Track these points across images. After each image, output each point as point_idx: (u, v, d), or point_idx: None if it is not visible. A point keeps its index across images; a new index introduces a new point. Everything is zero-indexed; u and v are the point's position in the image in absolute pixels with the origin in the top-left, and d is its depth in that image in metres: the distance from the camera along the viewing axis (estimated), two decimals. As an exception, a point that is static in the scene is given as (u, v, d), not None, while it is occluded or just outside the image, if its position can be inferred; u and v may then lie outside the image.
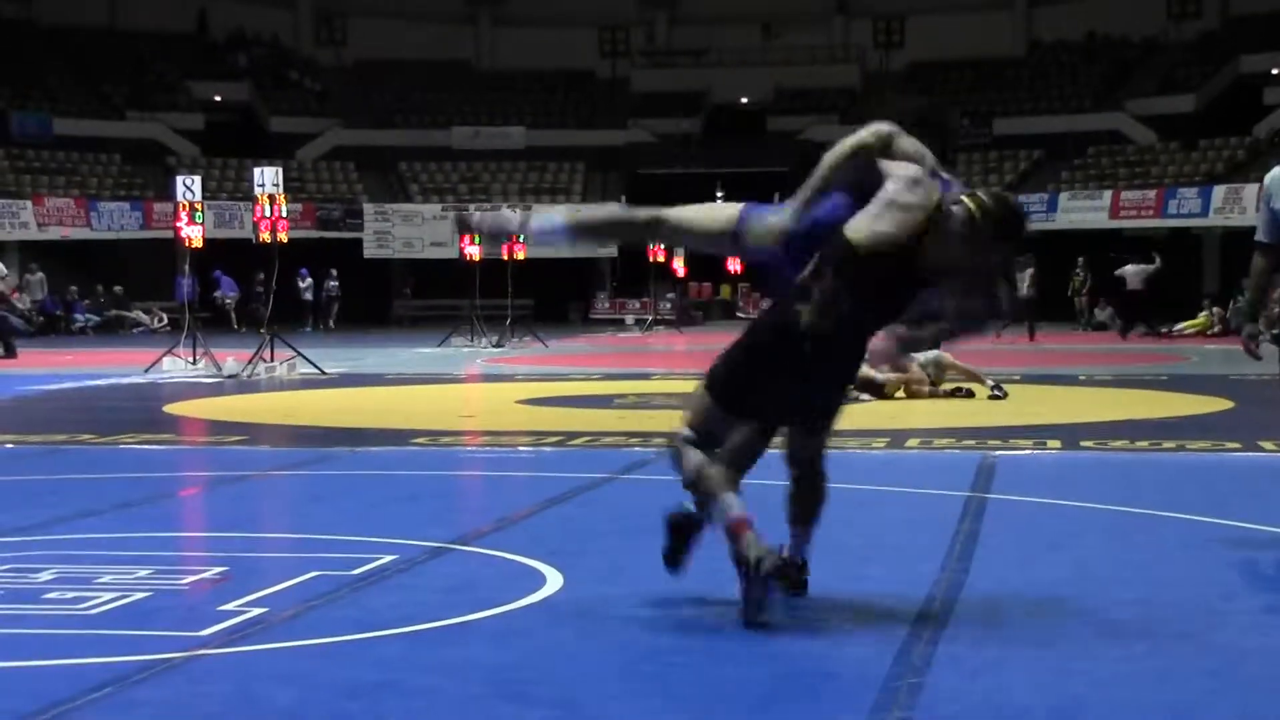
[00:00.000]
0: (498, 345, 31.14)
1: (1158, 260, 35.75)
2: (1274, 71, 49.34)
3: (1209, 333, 35.05)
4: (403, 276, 50.33)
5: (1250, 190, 42.85)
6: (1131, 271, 36.31)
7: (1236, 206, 43.05)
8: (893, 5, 56.53)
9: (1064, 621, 5.86)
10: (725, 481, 6.00)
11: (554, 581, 6.68)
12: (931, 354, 16.75)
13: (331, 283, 45.35)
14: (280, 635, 5.70)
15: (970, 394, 16.55)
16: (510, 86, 56.16)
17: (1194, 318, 36.62)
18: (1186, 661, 5.31)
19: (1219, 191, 44.00)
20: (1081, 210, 46.07)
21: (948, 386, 16.67)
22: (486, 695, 4.92)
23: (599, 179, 53.39)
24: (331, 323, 44.35)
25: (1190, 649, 5.47)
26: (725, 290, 51.57)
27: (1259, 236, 7.90)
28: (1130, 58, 53.96)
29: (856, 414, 14.80)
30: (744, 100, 57.01)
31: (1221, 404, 16.10)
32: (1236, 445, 11.95)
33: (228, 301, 41.83)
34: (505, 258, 33.47)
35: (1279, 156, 45.73)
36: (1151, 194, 45.79)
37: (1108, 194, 46.48)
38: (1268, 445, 11.72)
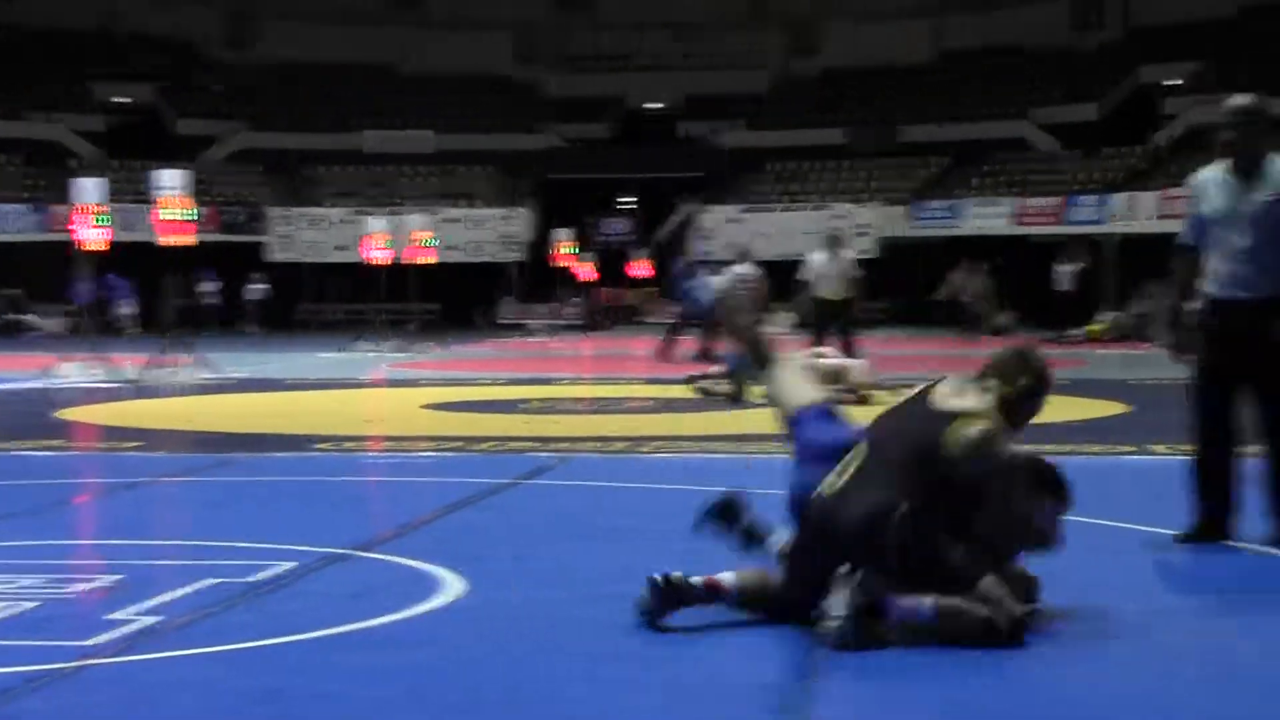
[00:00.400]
0: (402, 350, 31.00)
1: (1088, 259, 36.10)
2: (1172, 82, 49.97)
3: (1105, 338, 35.45)
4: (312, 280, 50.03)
5: (1149, 198, 43.42)
6: (1064, 271, 36.79)
7: (1135, 213, 43.60)
8: (805, 12, 56.77)
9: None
10: None
11: (456, 587, 6.64)
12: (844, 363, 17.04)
13: (254, 285, 45.05)
14: (175, 643, 5.62)
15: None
16: (423, 90, 55.92)
17: (1091, 323, 37.01)
18: (1086, 658, 5.36)
19: (1119, 199, 44.54)
20: (987, 216, 46.49)
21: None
22: (389, 700, 4.89)
23: (510, 183, 53.28)
24: (257, 325, 43.87)
25: (1084, 645, 5.51)
26: (633, 295, 51.59)
27: (1180, 238, 7.96)
28: (1035, 67, 54.46)
29: (758, 417, 14.84)
30: (656, 106, 57.08)
31: (1118, 408, 16.26)
32: (1130, 448, 12.09)
33: (121, 306, 41.24)
34: (411, 261, 33.33)
35: (1178, 165, 46.40)
36: (1054, 201, 46.28)
37: (1012, 200, 46.94)
38: (1159, 448, 11.83)
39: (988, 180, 50.03)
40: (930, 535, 5.61)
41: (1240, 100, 7.62)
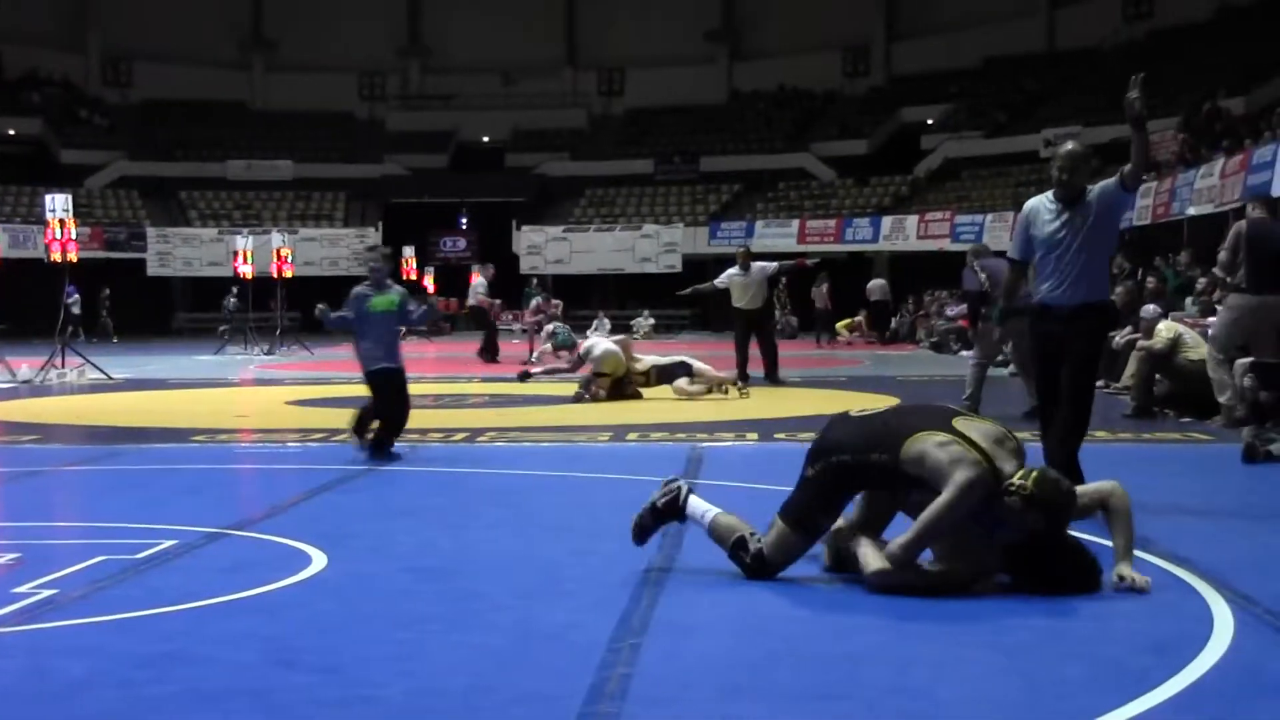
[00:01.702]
0: (269, 353, 30.51)
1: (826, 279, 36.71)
2: (929, 121, 50.95)
3: (853, 338, 36.24)
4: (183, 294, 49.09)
5: (911, 220, 44.22)
6: (877, 285, 37.58)
7: (900, 234, 44.36)
8: (614, 59, 56.96)
9: (767, 586, 5.94)
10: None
11: (320, 561, 6.56)
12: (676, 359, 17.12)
13: (70, 299, 43.79)
14: (71, 613, 5.49)
15: (726, 391, 16.79)
16: (280, 124, 55.17)
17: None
18: (865, 612, 5.43)
19: (887, 221, 45.26)
20: (774, 236, 46.92)
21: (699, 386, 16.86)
22: (260, 663, 4.81)
23: (359, 207, 52.77)
24: (112, 334, 42.86)
25: (869, 608, 5.59)
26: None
27: (1011, 254, 8.57)
28: (814, 107, 55.19)
29: (581, 412, 14.87)
30: (486, 139, 56.86)
31: (890, 401, 16.49)
32: (907, 412, 12.25)
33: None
34: (275, 275, 32.88)
35: (934, 192, 47.34)
36: (832, 223, 46.89)
37: (796, 222, 47.46)
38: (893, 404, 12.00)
39: (773, 204, 50.55)
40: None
41: (1070, 146, 8.33)
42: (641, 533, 6.32)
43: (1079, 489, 5.96)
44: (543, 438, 12.49)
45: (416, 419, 14.43)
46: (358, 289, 11.45)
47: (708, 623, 5.35)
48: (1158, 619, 5.37)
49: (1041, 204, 8.22)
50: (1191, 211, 26.20)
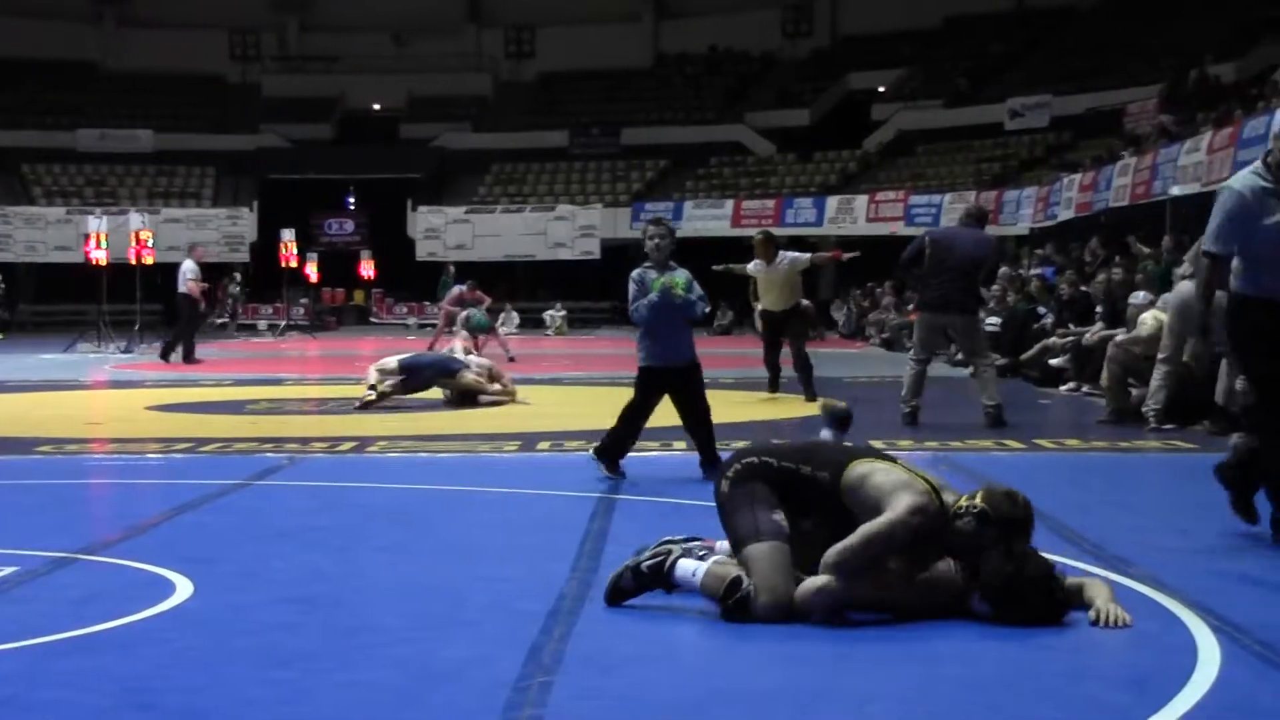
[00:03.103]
0: (126, 350, 30.23)
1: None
2: (880, 88, 51.26)
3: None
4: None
5: (860, 200, 44.46)
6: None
7: (848, 216, 44.60)
8: (523, 15, 56.87)
9: (698, 618, 5.95)
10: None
11: (185, 589, 6.50)
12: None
13: None
14: (-106, 652, 5.40)
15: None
16: (138, 88, 54.67)
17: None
18: (814, 641, 5.45)
19: (832, 202, 45.51)
20: (705, 218, 47.07)
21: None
22: (115, 707, 4.76)
23: (230, 184, 52.38)
24: None
25: (817, 637, 5.61)
26: (359, 296, 51.20)
27: (1211, 247, 7.93)
28: (750, 72, 55.40)
29: (485, 418, 14.84)
30: (377, 107, 56.66)
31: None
32: (848, 443, 12.32)
33: None
34: (133, 261, 32.56)
35: (886, 169, 47.66)
36: (770, 203, 47.08)
37: (730, 203, 47.64)
38: (876, 443, 12.08)
39: (704, 183, 50.69)
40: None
41: None
42: (618, 596, 6.11)
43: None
44: (442, 447, 12.45)
45: (298, 427, 14.39)
46: (638, 271, 10.64)
47: (630, 657, 5.35)
48: (1138, 651, 5.43)
49: (1255, 185, 7.84)
50: (1175, 191, 26.51)
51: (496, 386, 17.07)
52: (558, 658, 5.31)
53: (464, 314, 25.79)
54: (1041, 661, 5.30)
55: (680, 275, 10.53)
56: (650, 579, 6.09)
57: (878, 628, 5.65)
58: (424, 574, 6.96)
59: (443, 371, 17.07)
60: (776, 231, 46.28)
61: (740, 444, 6.55)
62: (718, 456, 10.05)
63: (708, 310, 11.44)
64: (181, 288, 26.95)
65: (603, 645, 5.51)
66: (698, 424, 10.63)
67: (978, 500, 5.81)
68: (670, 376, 10.58)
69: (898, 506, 5.75)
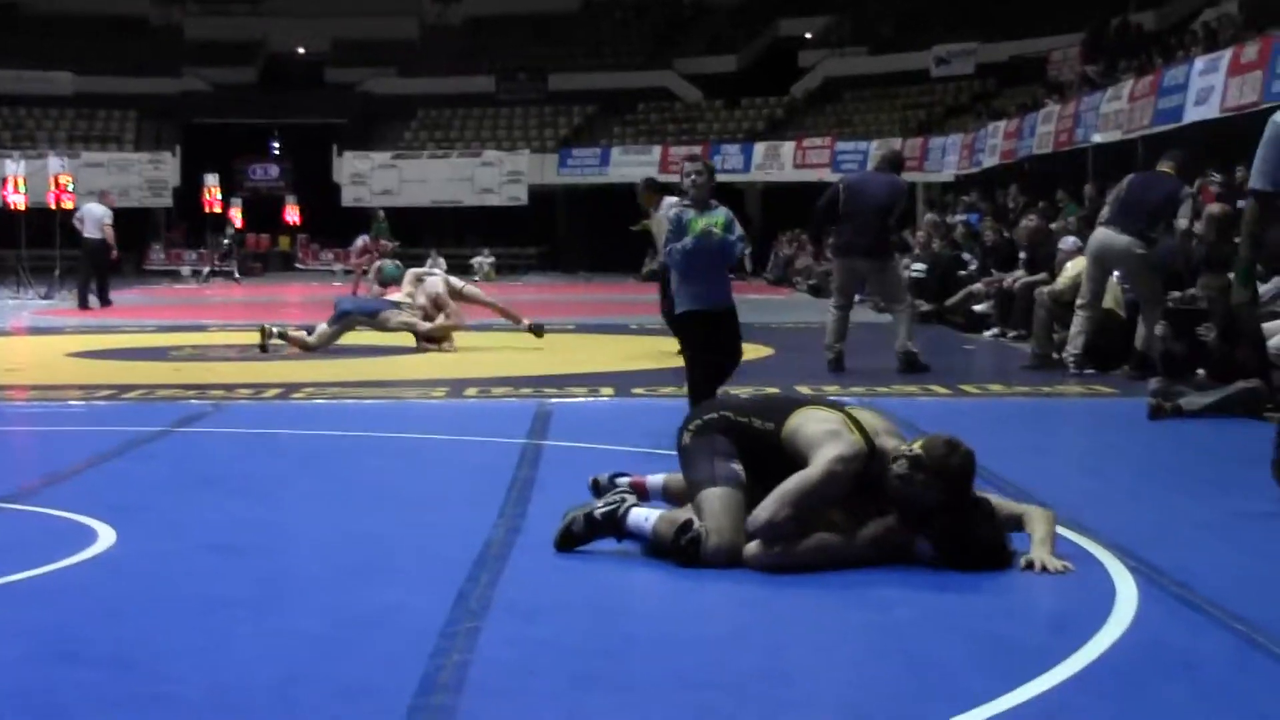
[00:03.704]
0: (46, 297, 29.92)
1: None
2: (807, 35, 51.24)
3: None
4: None
5: (787, 147, 44.50)
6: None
7: (775, 163, 44.64)
8: (449, -42, 56.43)
9: (622, 562, 5.97)
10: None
11: (108, 538, 6.46)
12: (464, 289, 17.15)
13: None
14: None
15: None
16: (57, 29, 53.83)
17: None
18: (733, 589, 5.49)
19: (760, 148, 45.53)
20: (633, 165, 46.92)
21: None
22: (37, 657, 4.72)
23: (153, 128, 51.82)
24: None
25: (736, 585, 5.64)
26: (284, 242, 50.85)
27: (1257, 184, 7.47)
28: (678, 18, 55.23)
29: (412, 365, 14.80)
30: (301, 51, 56.13)
31: (763, 351, 16.64)
32: (775, 390, 12.38)
33: None
34: (53, 206, 32.20)
35: (813, 116, 47.69)
36: (698, 149, 46.95)
37: (657, 149, 47.55)
38: (803, 388, 12.16)
39: (632, 129, 50.57)
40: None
41: None
42: (569, 541, 6.10)
43: (995, 502, 6.03)
44: (368, 393, 12.42)
45: (221, 373, 14.30)
46: (675, 209, 10.09)
47: (555, 604, 5.36)
48: (1056, 593, 5.49)
49: None
50: (1097, 139, 26.69)
51: (440, 319, 16.90)
52: (485, 604, 5.32)
53: (376, 265, 25.72)
54: (960, 603, 5.35)
55: (720, 214, 9.93)
56: (603, 526, 6.09)
57: (801, 575, 5.68)
58: (349, 521, 6.94)
59: (366, 313, 17.04)
60: (703, 178, 46.61)
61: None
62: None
63: (749, 250, 11.17)
64: (95, 233, 26.60)
65: (530, 592, 5.52)
66: (719, 376, 10.08)
67: (915, 447, 5.82)
68: (709, 321, 10.01)
69: (821, 458, 5.78)
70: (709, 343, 9.97)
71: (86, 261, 27.17)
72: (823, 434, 5.85)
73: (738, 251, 10.11)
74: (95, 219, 26.67)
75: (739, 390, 10.20)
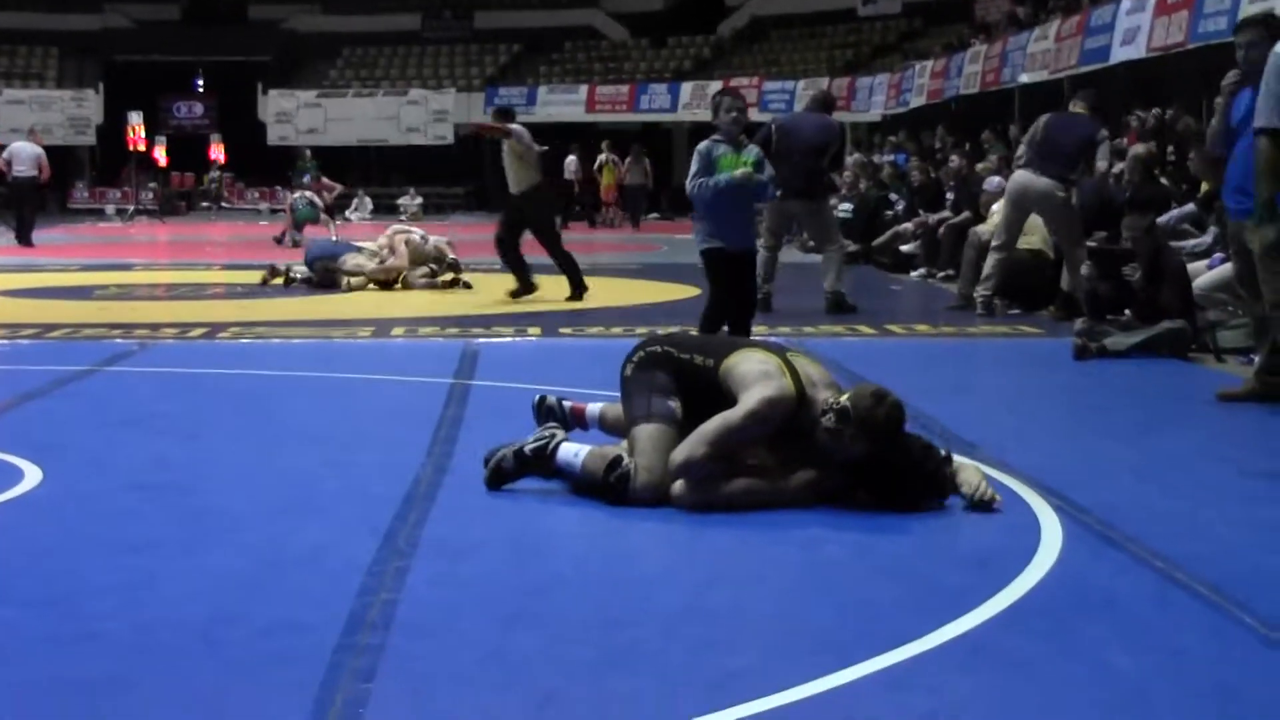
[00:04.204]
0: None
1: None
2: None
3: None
4: None
5: (714, 87, 44.36)
6: (571, 162, 37.72)
7: (702, 102, 44.49)
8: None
9: (550, 501, 5.98)
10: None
11: (33, 477, 6.41)
12: (432, 240, 17.01)
13: None
14: None
15: (469, 285, 16.67)
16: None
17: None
18: (658, 529, 5.51)
19: (686, 88, 45.40)
20: (559, 104, 46.80)
21: (446, 278, 16.82)
22: (-40, 596, 4.70)
23: (75, 66, 51.08)
24: None
25: (662, 525, 5.66)
26: (207, 180, 50.36)
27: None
28: (605, -45, 54.90)
29: (338, 304, 14.73)
30: (226, -13, 55.42)
31: (691, 291, 16.64)
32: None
33: None
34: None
35: (740, 55, 47.61)
36: (624, 89, 46.88)
37: (584, 88, 47.36)
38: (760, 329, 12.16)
39: (558, 68, 50.33)
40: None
41: None
42: (499, 478, 6.12)
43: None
44: (294, 333, 12.35)
45: (146, 312, 14.18)
46: (705, 143, 9.80)
47: (482, 543, 5.36)
48: (980, 532, 5.54)
49: None
50: (1024, 79, 26.77)
51: (391, 262, 16.78)
52: (413, 543, 5.31)
53: (291, 199, 25.67)
54: (887, 543, 5.38)
55: (752, 153, 9.74)
56: (533, 462, 6.10)
57: (729, 515, 5.70)
58: (275, 460, 6.92)
59: (330, 256, 17.11)
60: (630, 118, 46.44)
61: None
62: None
63: (777, 193, 11.21)
64: (28, 169, 26.39)
65: (457, 530, 5.52)
66: (739, 318, 9.94)
67: (843, 399, 5.78)
68: (731, 261, 9.85)
69: (747, 399, 5.79)
70: (723, 278, 9.89)
71: (18, 200, 27.05)
72: (754, 375, 5.85)
73: (769, 193, 10.13)
74: (29, 157, 26.49)
75: (667, 330, 10.19)
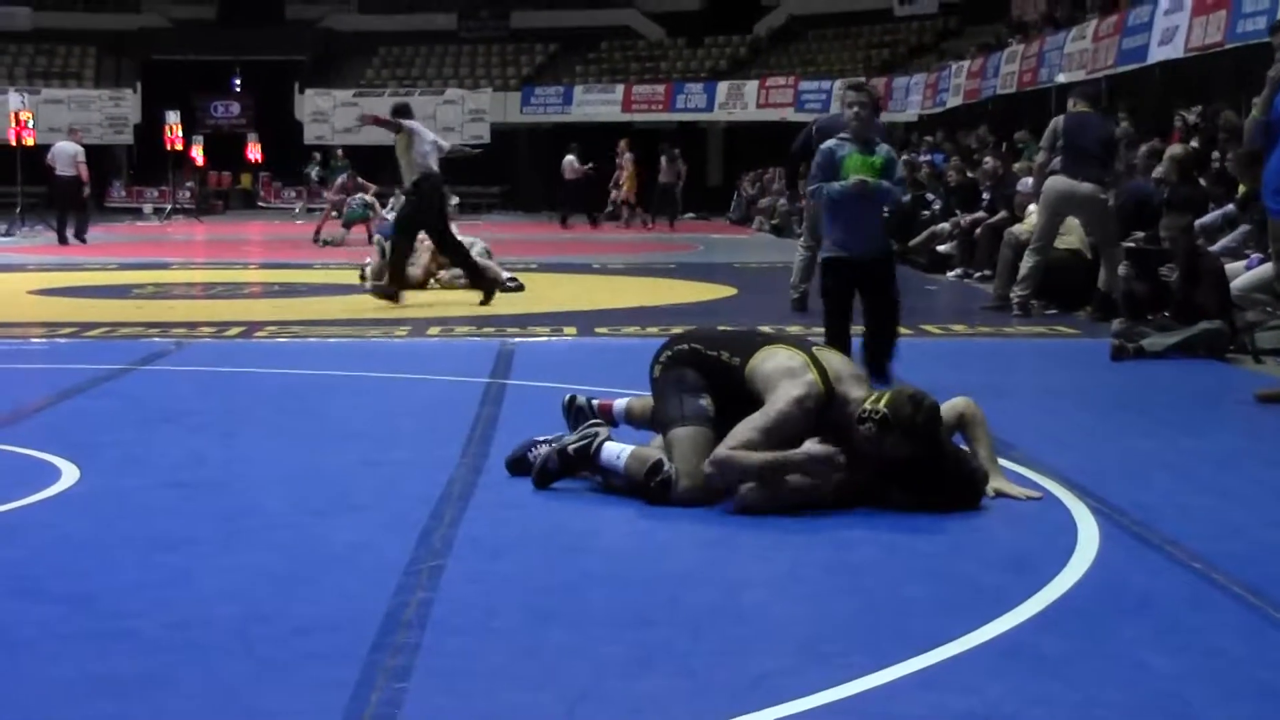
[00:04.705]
0: (7, 234, 29.71)
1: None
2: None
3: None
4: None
5: (750, 87, 44.35)
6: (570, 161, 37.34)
7: (738, 102, 44.50)
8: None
9: (583, 500, 5.98)
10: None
11: (70, 475, 6.44)
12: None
13: None
14: None
15: (520, 286, 16.37)
16: (15, -34, 53.19)
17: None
18: (692, 528, 5.50)
19: (723, 87, 45.36)
20: (595, 104, 46.82)
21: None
22: (-2, 592, 4.72)
23: (113, 65, 51.34)
24: None
25: (695, 524, 5.65)
26: (245, 179, 50.53)
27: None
28: (641, -46, 54.86)
29: (378, 303, 14.76)
30: (263, -14, 55.56)
31: (726, 290, 16.65)
32: (766, 328, 12.37)
33: None
34: (14, 143, 31.94)
35: (777, 55, 47.55)
36: (661, 89, 46.86)
37: (620, 88, 47.36)
38: (764, 328, 12.14)
39: (595, 68, 50.33)
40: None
41: None
42: (544, 479, 6.13)
43: None
44: (330, 332, 12.37)
45: (183, 311, 14.23)
46: (831, 142, 9.04)
47: (517, 541, 5.37)
48: (1017, 533, 5.52)
49: None
50: (1061, 79, 26.65)
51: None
52: (448, 542, 5.32)
53: (345, 202, 25.84)
54: (922, 544, 5.37)
55: (881, 153, 8.94)
56: (576, 461, 6.11)
57: (761, 516, 5.68)
58: (311, 459, 6.93)
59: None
60: (667, 117, 46.42)
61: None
62: (884, 372, 8.87)
63: (907, 197, 10.61)
64: (68, 169, 26.64)
65: (492, 529, 5.53)
66: (878, 330, 9.12)
67: (881, 405, 5.72)
68: (856, 270, 9.03)
69: (776, 399, 5.77)
70: (843, 293, 9.13)
71: (61, 199, 27.38)
72: (780, 372, 5.84)
73: (895, 197, 9.16)
74: (68, 157, 26.76)
75: (687, 328, 10.17)
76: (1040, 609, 4.53)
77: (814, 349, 6.09)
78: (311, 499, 6.05)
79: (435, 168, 14.60)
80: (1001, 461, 6.23)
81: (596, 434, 6.16)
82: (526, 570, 5.00)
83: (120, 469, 6.67)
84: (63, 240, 26.56)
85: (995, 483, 6.00)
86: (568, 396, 6.81)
